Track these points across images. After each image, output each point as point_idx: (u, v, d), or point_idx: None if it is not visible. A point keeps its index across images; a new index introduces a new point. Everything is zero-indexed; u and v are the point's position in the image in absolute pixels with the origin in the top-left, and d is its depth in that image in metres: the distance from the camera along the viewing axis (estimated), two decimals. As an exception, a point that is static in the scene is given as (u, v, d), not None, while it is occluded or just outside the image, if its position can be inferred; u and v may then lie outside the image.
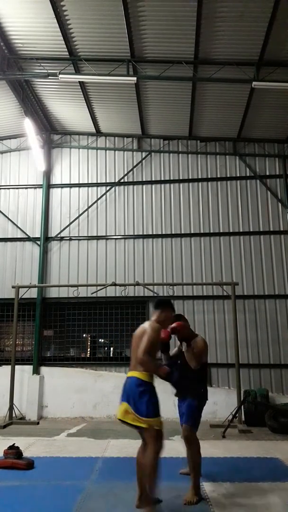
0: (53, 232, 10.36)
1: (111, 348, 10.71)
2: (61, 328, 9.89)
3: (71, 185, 10.63)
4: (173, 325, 4.30)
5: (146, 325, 3.90)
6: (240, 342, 8.81)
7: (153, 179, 10.43)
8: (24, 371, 9.38)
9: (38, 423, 8.61)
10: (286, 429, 7.28)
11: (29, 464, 5.04)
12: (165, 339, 4.31)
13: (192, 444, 4.15)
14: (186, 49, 7.53)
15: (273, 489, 4.22)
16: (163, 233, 10.06)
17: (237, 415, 7.79)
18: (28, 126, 9.04)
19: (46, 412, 9.20)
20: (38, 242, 10.25)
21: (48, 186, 10.62)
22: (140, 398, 3.59)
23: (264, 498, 4.00)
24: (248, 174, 10.18)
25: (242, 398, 8.15)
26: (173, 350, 4.72)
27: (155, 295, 9.30)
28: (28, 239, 10.36)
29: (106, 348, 10.74)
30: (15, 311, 9.21)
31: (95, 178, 10.61)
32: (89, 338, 10.74)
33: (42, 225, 10.29)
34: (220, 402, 8.79)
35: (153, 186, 10.40)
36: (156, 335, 3.73)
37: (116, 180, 10.48)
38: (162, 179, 10.39)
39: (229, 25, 6.95)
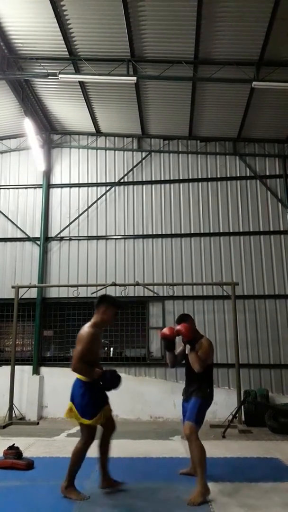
0: (53, 232, 10.36)
1: (111, 348, 10.70)
2: (61, 328, 9.88)
3: (71, 185, 10.63)
4: (178, 327, 4.31)
5: (83, 329, 4.04)
6: (240, 342, 8.81)
7: (153, 179, 10.43)
8: (24, 371, 9.38)
9: (38, 423, 8.60)
10: (286, 429, 7.27)
11: (29, 465, 5.03)
12: (170, 337, 4.32)
13: (194, 441, 4.11)
14: (186, 49, 7.53)
15: (273, 489, 4.22)
16: (163, 233, 10.06)
17: (237, 415, 7.79)
18: (28, 126, 9.04)
19: (46, 412, 9.19)
20: (38, 242, 10.25)
21: (48, 186, 10.62)
22: (81, 399, 3.98)
23: (264, 498, 3.99)
24: (248, 174, 10.17)
25: (242, 398, 8.15)
26: (178, 349, 4.69)
27: (155, 295, 9.30)
28: (28, 239, 10.36)
29: (106, 348, 10.73)
30: (15, 311, 9.20)
31: (95, 178, 10.61)
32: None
33: (42, 225, 10.29)
34: (220, 402, 8.76)
35: (153, 186, 10.40)
36: (89, 343, 3.90)
37: (116, 180, 10.48)
38: (162, 179, 10.39)
39: (229, 25, 6.95)
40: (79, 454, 3.99)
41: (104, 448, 4.22)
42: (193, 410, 4.22)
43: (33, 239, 10.32)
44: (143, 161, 10.54)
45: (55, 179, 10.73)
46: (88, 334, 3.96)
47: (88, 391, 3.98)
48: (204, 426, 4.09)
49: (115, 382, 4.04)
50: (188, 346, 4.35)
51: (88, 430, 3.99)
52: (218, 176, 10.26)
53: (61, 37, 7.35)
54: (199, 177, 10.32)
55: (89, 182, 10.61)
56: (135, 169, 10.52)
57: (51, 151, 10.87)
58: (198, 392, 4.29)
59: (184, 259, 9.84)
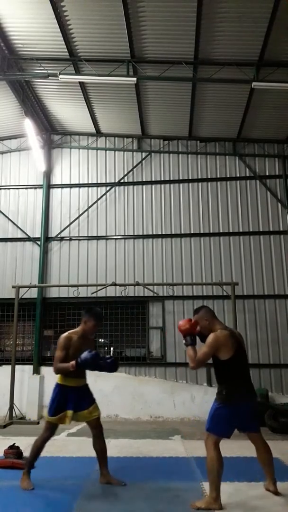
0: (53, 232, 10.38)
1: (111, 348, 10.71)
2: (61, 328, 9.86)
3: (71, 185, 10.65)
4: (180, 322, 4.05)
5: (61, 335, 4.33)
6: (240, 342, 8.81)
7: (153, 180, 10.45)
8: (24, 371, 9.40)
9: (38, 423, 8.61)
10: (286, 429, 7.29)
11: (29, 464, 5.04)
12: (193, 331, 3.96)
13: (207, 450, 3.86)
14: (186, 50, 7.54)
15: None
16: (163, 233, 10.07)
17: (237, 415, 7.79)
18: (28, 126, 9.05)
19: (46, 412, 9.19)
20: (38, 242, 10.27)
21: (48, 186, 10.63)
22: (51, 397, 4.36)
23: (264, 498, 4.00)
24: (248, 175, 10.19)
25: (242, 398, 8.15)
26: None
27: (155, 295, 9.32)
28: (29, 239, 10.38)
29: (106, 348, 10.75)
30: (15, 311, 9.22)
31: (95, 178, 10.63)
32: (89, 338, 10.73)
33: (42, 225, 10.31)
34: (220, 402, 8.80)
35: (153, 186, 10.41)
36: (62, 348, 4.21)
37: (116, 180, 10.49)
38: (162, 179, 10.41)
39: (229, 26, 6.96)
40: (35, 447, 4.32)
41: (96, 446, 4.38)
42: (208, 417, 3.93)
43: (34, 239, 10.34)
44: (143, 161, 10.56)
45: (56, 180, 10.74)
46: (60, 340, 4.29)
47: (56, 392, 4.33)
48: (204, 426, 4.06)
49: (95, 362, 4.08)
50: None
51: (46, 425, 4.36)
52: (218, 176, 10.27)
53: (61, 38, 7.37)
54: (199, 177, 10.33)
55: (89, 182, 10.63)
56: (135, 169, 10.54)
57: (51, 151, 10.88)
58: (216, 395, 3.93)
59: (184, 259, 9.86)
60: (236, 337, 3.97)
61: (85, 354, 4.03)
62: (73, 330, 4.40)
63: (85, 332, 4.36)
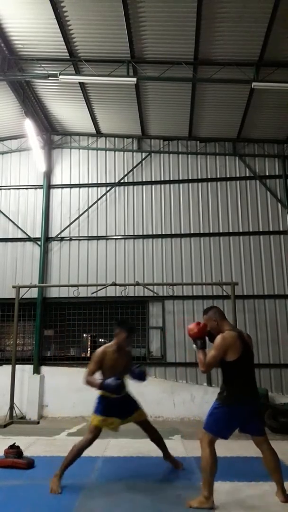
0: (53, 232, 10.39)
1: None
2: (62, 328, 9.91)
3: (71, 186, 10.65)
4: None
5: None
6: (240, 342, 8.82)
7: (153, 180, 10.45)
8: (24, 370, 9.40)
9: (38, 423, 8.63)
10: (286, 429, 7.30)
11: (30, 464, 5.06)
12: (202, 335, 3.98)
13: (202, 449, 3.85)
14: (186, 50, 7.55)
15: (273, 489, 4.23)
16: (163, 233, 10.08)
17: (237, 415, 7.80)
18: (29, 127, 9.06)
19: (46, 411, 9.22)
20: (39, 242, 10.28)
21: (48, 186, 10.64)
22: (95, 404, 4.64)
23: (264, 498, 4.01)
24: (248, 175, 10.19)
25: (242, 398, 8.15)
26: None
27: (155, 295, 9.33)
28: (29, 239, 10.39)
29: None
30: (15, 311, 9.23)
31: (95, 178, 10.63)
32: (90, 338, 10.76)
33: (43, 226, 10.32)
34: (220, 402, 8.81)
35: (153, 186, 10.42)
36: (96, 362, 4.47)
37: (116, 181, 10.50)
38: (162, 179, 10.41)
39: (229, 26, 6.96)
40: (74, 452, 4.40)
41: (151, 437, 4.90)
42: (207, 415, 3.95)
43: (34, 239, 10.34)
44: (143, 161, 10.56)
45: (56, 180, 10.75)
46: (95, 353, 4.54)
47: (99, 401, 4.61)
48: (202, 425, 4.06)
49: (116, 387, 4.33)
50: None
51: (91, 428, 4.47)
52: (218, 176, 10.28)
53: (62, 38, 7.37)
54: (199, 177, 10.34)
55: (90, 182, 10.63)
56: (135, 169, 10.54)
57: (51, 151, 10.89)
58: (218, 394, 3.97)
59: (184, 259, 9.86)
60: (243, 339, 3.95)
61: (110, 381, 4.28)
62: (108, 344, 4.62)
63: (119, 345, 4.56)
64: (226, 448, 6.10)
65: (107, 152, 10.78)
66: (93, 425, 4.43)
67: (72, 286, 9.70)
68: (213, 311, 4.11)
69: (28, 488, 4.36)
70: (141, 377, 4.67)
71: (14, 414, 8.68)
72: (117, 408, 4.50)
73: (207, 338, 4.06)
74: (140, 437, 6.94)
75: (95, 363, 4.46)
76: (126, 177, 10.52)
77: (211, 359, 3.81)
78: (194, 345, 3.98)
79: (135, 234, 10.16)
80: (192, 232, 10.01)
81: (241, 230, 9.90)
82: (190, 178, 10.34)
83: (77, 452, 4.37)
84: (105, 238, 10.21)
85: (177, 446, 6.22)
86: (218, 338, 3.85)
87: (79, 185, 10.63)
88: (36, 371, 9.47)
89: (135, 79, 7.75)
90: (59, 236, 10.32)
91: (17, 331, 9.37)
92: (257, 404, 4.03)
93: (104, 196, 10.46)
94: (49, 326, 10.11)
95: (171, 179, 10.39)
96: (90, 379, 4.39)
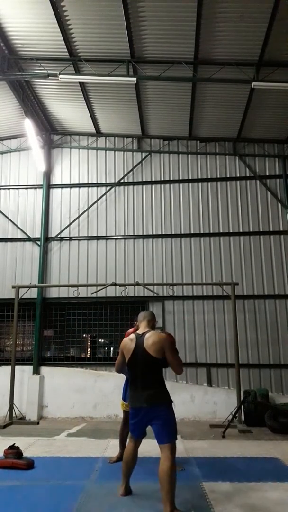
0: (53, 232, 10.38)
1: (111, 348, 10.71)
2: (61, 328, 9.90)
3: (71, 185, 10.64)
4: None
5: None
6: (240, 342, 8.82)
7: (153, 180, 10.44)
8: (24, 371, 9.39)
9: (38, 423, 8.61)
10: (286, 429, 7.29)
11: (29, 464, 5.04)
12: None
13: (170, 462, 3.76)
14: (186, 50, 7.54)
15: (273, 489, 4.23)
16: (163, 233, 10.07)
17: (237, 415, 7.80)
18: (28, 126, 9.05)
19: (46, 412, 9.21)
20: (38, 242, 10.27)
21: (48, 186, 10.63)
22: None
23: (264, 498, 4.00)
24: (248, 175, 10.19)
25: (242, 398, 8.16)
26: None
27: (155, 295, 9.32)
28: (28, 239, 10.37)
29: (106, 348, 10.75)
30: (15, 311, 9.21)
31: (95, 178, 10.62)
32: (89, 338, 10.74)
33: (42, 225, 10.31)
34: (220, 402, 8.81)
35: (153, 186, 10.41)
36: (119, 353, 4.66)
37: (116, 181, 10.49)
38: (162, 179, 10.40)
39: (229, 26, 6.95)
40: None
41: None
42: (164, 426, 3.90)
43: (34, 239, 10.33)
44: (143, 161, 10.56)
45: (55, 180, 10.74)
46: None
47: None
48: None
49: None
50: None
51: (124, 415, 5.04)
52: (218, 176, 10.27)
53: (61, 38, 7.36)
54: (199, 177, 10.33)
55: (89, 182, 10.62)
56: (135, 169, 10.54)
57: (51, 151, 10.88)
58: (158, 399, 3.94)
59: (184, 259, 9.86)
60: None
61: None
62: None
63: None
64: (226, 448, 6.10)
65: (107, 151, 10.78)
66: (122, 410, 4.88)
67: (72, 286, 9.68)
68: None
69: (28, 489, 4.35)
70: None
71: (13, 415, 8.66)
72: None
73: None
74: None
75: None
76: (126, 177, 10.51)
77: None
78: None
79: (135, 234, 10.15)
80: (192, 232, 10.01)
81: (241, 230, 9.90)
82: (190, 178, 10.33)
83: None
84: (105, 238, 10.20)
85: (177, 446, 6.20)
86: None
87: (79, 185, 10.62)
88: (36, 371, 9.46)
89: (135, 78, 7.74)
90: (59, 236, 10.31)
91: (17, 332, 9.35)
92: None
93: (104, 196, 10.45)
94: (49, 326, 10.09)
95: (171, 179, 10.38)
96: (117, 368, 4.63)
